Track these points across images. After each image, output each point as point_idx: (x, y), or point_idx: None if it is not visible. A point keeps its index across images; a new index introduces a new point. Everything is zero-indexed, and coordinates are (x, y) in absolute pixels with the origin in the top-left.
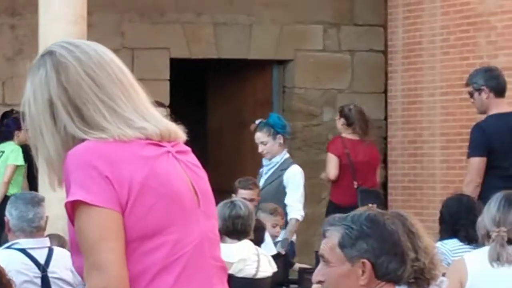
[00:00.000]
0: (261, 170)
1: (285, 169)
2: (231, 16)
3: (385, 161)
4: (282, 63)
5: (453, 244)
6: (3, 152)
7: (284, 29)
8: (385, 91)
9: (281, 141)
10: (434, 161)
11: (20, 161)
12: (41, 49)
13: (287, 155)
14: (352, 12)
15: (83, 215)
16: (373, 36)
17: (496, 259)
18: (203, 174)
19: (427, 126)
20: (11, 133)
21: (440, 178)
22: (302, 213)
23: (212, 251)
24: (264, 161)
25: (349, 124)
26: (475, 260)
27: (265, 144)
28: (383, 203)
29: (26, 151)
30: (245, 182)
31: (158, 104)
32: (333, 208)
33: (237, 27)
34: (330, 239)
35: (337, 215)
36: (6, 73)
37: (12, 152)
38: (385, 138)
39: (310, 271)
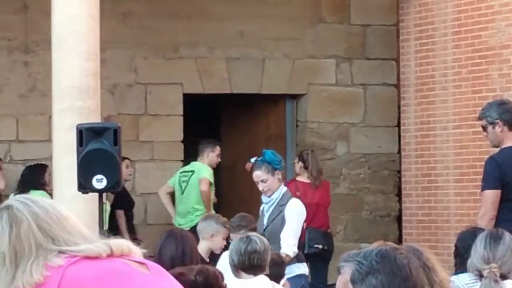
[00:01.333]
0: (261, 208)
1: (285, 204)
2: (243, 51)
3: (399, 194)
4: (295, 97)
5: (468, 278)
6: None
7: (297, 64)
8: (398, 125)
9: (280, 176)
10: (448, 194)
11: None
12: (55, 86)
13: (285, 189)
14: (364, 46)
15: None
16: (385, 70)
17: None
18: None
19: (441, 159)
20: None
21: (454, 211)
22: (295, 249)
23: None
24: (264, 199)
25: (306, 167)
26: None
27: (265, 182)
28: (330, 243)
29: None
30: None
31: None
32: None
33: (250, 62)
34: (343, 275)
35: (352, 251)
36: (20, 110)
37: None
38: (399, 171)
39: None
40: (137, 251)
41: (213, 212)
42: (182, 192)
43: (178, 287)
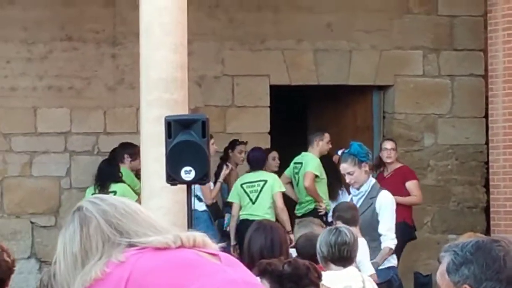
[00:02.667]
0: (350, 199)
1: (375, 197)
2: (331, 43)
3: (486, 185)
4: (382, 88)
5: None
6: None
7: (384, 55)
8: (486, 116)
9: (367, 168)
10: None
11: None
12: (143, 78)
13: (374, 181)
14: (451, 37)
15: None
16: (473, 61)
17: None
18: None
19: None
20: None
21: None
22: (396, 241)
23: None
24: (352, 191)
25: None
26: None
27: (351, 174)
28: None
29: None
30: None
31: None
32: None
33: (337, 53)
34: (442, 265)
35: (454, 242)
36: (108, 103)
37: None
38: (486, 162)
39: None
40: (212, 244)
41: (326, 202)
42: (297, 184)
43: (251, 278)
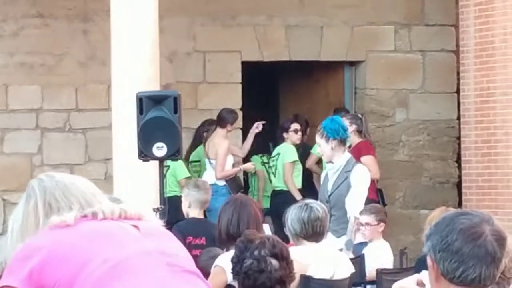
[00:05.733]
0: (325, 173)
1: (350, 171)
2: (302, 18)
3: (458, 161)
4: (353, 64)
5: None
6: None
7: (355, 30)
8: (457, 91)
9: (333, 145)
10: (508, 160)
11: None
12: (114, 54)
13: (349, 156)
14: (423, 12)
15: None
16: (444, 36)
17: None
18: None
19: (501, 125)
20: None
21: None
22: (359, 209)
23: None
24: (328, 165)
25: (359, 130)
26: None
27: (319, 146)
28: None
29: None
30: None
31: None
32: None
33: (309, 29)
34: None
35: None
36: (79, 79)
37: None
38: (458, 138)
39: (388, 272)
40: (148, 217)
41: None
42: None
43: (170, 249)
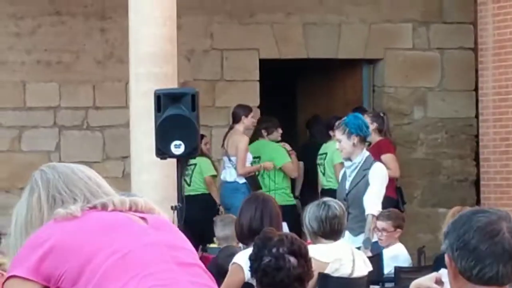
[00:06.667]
0: (343, 172)
1: (368, 168)
2: (320, 16)
3: (477, 158)
4: (371, 62)
5: None
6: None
7: (373, 28)
8: (476, 89)
9: (355, 141)
10: None
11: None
12: (132, 52)
13: (367, 153)
14: (441, 10)
15: None
16: (462, 34)
17: None
18: None
19: None
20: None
21: None
22: (379, 207)
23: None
24: (346, 163)
25: (380, 129)
26: None
27: (340, 142)
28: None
29: None
30: None
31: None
32: None
33: (326, 27)
34: None
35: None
36: (96, 77)
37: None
38: (477, 136)
39: (406, 270)
40: (158, 211)
41: None
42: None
43: (177, 241)
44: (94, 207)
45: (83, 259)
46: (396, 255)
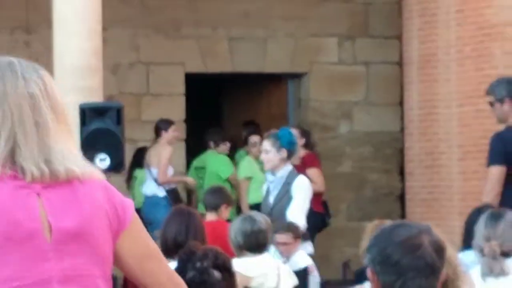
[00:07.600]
0: (265, 186)
1: (291, 183)
2: (246, 30)
3: (402, 173)
4: (297, 76)
5: (473, 255)
6: None
7: (299, 42)
8: (401, 103)
9: (284, 155)
10: (451, 173)
11: None
12: (56, 65)
13: (291, 167)
14: (367, 24)
15: None
16: (388, 48)
17: (489, 272)
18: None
19: (444, 138)
20: None
21: (457, 190)
22: (303, 221)
23: None
24: (269, 177)
25: (306, 145)
26: (474, 275)
27: (267, 153)
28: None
29: None
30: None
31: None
32: None
33: (252, 41)
34: None
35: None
36: None
37: None
38: (402, 150)
39: (333, 283)
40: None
41: None
42: None
43: (77, 265)
44: (13, 171)
45: None
46: (297, 261)
